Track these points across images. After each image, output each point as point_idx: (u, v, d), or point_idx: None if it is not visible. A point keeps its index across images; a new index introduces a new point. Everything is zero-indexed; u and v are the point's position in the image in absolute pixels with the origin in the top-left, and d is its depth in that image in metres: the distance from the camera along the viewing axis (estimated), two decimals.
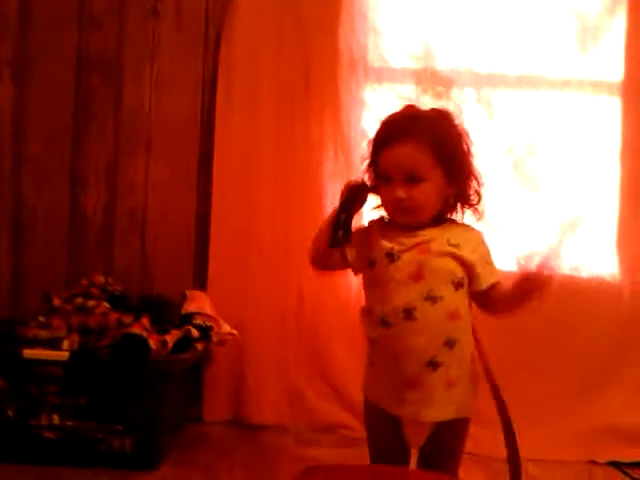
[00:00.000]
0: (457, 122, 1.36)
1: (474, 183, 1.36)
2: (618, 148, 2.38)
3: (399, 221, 1.35)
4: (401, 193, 1.30)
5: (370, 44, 2.41)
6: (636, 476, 2.11)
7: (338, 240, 1.31)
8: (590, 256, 2.38)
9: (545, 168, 2.37)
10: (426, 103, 2.28)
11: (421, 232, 1.32)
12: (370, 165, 1.37)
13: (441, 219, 1.35)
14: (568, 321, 2.30)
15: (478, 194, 1.36)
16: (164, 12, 2.44)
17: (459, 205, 1.37)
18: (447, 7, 2.39)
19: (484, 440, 2.09)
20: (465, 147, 1.35)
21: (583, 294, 2.34)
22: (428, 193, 1.31)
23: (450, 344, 1.30)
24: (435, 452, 1.37)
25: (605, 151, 2.38)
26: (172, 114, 2.44)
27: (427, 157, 1.29)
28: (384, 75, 2.43)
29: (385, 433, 1.37)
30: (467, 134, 1.36)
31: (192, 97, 2.45)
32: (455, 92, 2.37)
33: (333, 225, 1.31)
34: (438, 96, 2.36)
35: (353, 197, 1.33)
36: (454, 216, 1.38)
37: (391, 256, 1.31)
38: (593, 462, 2.20)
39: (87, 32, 2.43)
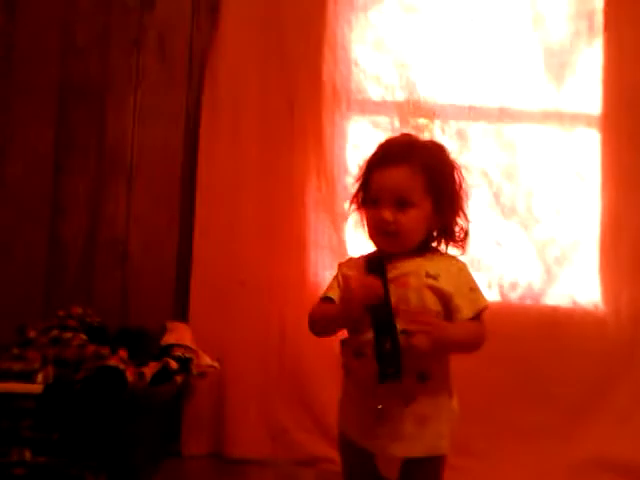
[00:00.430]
0: (452, 157, 1.36)
1: (461, 219, 1.35)
2: (598, 180, 2.40)
3: (381, 246, 1.33)
4: (388, 215, 1.28)
5: (353, 77, 2.43)
6: None
7: (389, 376, 1.22)
8: (573, 287, 2.39)
9: (526, 200, 2.39)
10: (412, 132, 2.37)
11: (401, 264, 1.30)
12: (360, 188, 1.37)
13: (424, 249, 1.34)
14: (553, 352, 2.30)
15: (464, 231, 1.35)
16: (147, 43, 2.45)
17: (443, 239, 1.36)
18: (429, 41, 2.43)
19: (467, 472, 2.08)
20: (457, 182, 1.35)
21: (567, 325, 2.34)
22: (415, 220, 1.29)
23: (422, 379, 1.27)
24: None
25: (585, 183, 2.41)
26: (155, 145, 2.44)
27: (419, 183, 1.29)
28: (367, 107, 2.45)
29: (359, 466, 1.35)
30: (460, 171, 1.36)
31: (175, 128, 2.45)
32: (436, 124, 2.39)
33: (378, 357, 1.22)
34: (419, 129, 2.39)
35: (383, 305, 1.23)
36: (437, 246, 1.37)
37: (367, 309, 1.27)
38: None
39: (70, 62, 2.44)
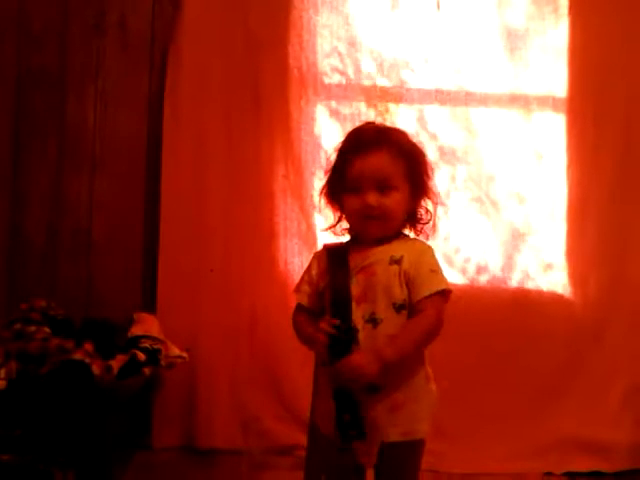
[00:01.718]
0: (418, 144, 1.39)
1: (429, 202, 1.37)
2: (564, 163, 2.42)
3: (366, 231, 1.33)
4: (372, 200, 1.29)
5: (319, 61, 2.40)
6: None
7: (351, 438, 1.25)
8: (540, 270, 2.41)
9: (492, 183, 2.40)
10: (374, 119, 2.37)
11: (370, 252, 1.31)
12: (334, 177, 1.36)
13: (393, 235, 1.34)
14: (521, 335, 2.32)
15: (430, 213, 1.37)
16: (108, 28, 2.39)
17: (413, 225, 1.37)
18: (394, 25, 2.41)
19: (441, 455, 2.10)
20: (428, 166, 1.37)
21: (535, 308, 2.36)
22: (398, 202, 1.31)
23: (390, 367, 1.27)
24: (389, 473, 1.35)
25: (551, 166, 2.42)
26: (118, 132, 2.39)
27: (400, 168, 1.31)
28: (333, 91, 2.43)
29: (334, 457, 1.34)
30: (427, 157, 1.38)
31: (138, 115, 2.40)
32: (403, 108, 2.38)
33: (337, 426, 1.25)
34: (386, 112, 2.38)
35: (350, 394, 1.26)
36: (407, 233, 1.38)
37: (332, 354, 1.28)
38: (549, 474, 2.21)
39: (27, 49, 2.36)
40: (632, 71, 2.36)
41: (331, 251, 1.35)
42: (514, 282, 2.40)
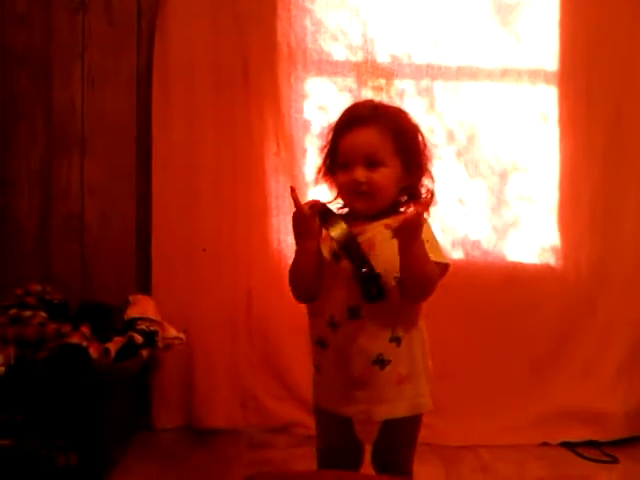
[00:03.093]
0: (414, 120, 1.38)
1: (428, 180, 1.36)
2: (556, 136, 2.42)
3: (355, 207, 1.33)
4: (360, 175, 1.29)
5: (308, 36, 2.37)
6: (587, 455, 2.16)
7: (374, 297, 1.26)
8: (533, 243, 2.42)
9: (485, 157, 2.39)
10: (366, 95, 2.35)
11: (369, 226, 1.31)
12: (328, 153, 1.37)
13: (391, 212, 1.34)
14: (515, 307, 2.34)
15: (431, 192, 1.36)
16: (93, 5, 2.34)
17: (411, 202, 1.36)
18: (386, 0, 2.37)
19: (438, 429, 2.13)
20: (422, 143, 1.36)
21: (528, 281, 2.38)
22: (387, 178, 1.30)
23: (396, 341, 1.29)
24: (388, 448, 1.37)
25: (543, 139, 2.42)
26: (106, 112, 2.35)
27: (388, 143, 1.30)
28: (324, 68, 2.40)
29: (338, 436, 1.37)
30: (423, 133, 1.37)
31: (127, 93, 2.36)
32: (395, 83, 2.36)
33: (360, 281, 1.25)
34: (378, 88, 2.36)
35: (351, 240, 1.27)
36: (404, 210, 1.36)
37: (337, 256, 1.29)
38: (546, 444, 2.25)
39: (11, 28, 2.31)
40: (623, 44, 2.36)
41: (321, 209, 1.33)
42: (507, 256, 2.41)
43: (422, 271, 1.25)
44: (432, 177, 1.37)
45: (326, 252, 1.31)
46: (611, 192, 2.37)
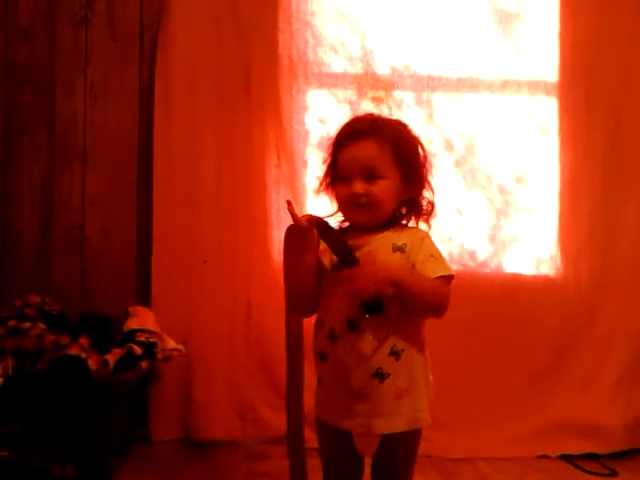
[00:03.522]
0: (414, 132, 1.38)
1: (428, 192, 1.36)
2: (556, 147, 2.41)
3: (354, 220, 1.34)
4: (359, 188, 1.30)
5: (310, 49, 2.39)
6: (587, 468, 2.14)
7: (372, 310, 1.26)
8: (533, 254, 2.42)
9: (486, 168, 2.40)
10: (367, 106, 2.36)
11: (370, 239, 1.31)
12: (329, 167, 1.37)
13: (391, 224, 1.34)
14: (515, 319, 2.34)
15: (431, 204, 1.37)
16: (96, 20, 2.37)
17: (412, 214, 1.36)
18: (386, 12, 2.39)
19: (437, 441, 2.12)
20: (422, 155, 1.36)
21: (528, 292, 2.38)
22: (386, 191, 1.30)
23: (396, 354, 1.28)
24: (387, 462, 1.36)
25: (544, 150, 2.42)
26: (108, 125, 2.37)
27: (387, 155, 1.30)
28: (324, 80, 2.41)
29: (338, 449, 1.36)
30: (423, 144, 1.37)
31: (129, 107, 2.38)
32: (395, 95, 2.37)
33: (336, 254, 1.28)
34: (378, 100, 2.37)
35: (349, 253, 1.28)
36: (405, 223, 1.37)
37: (337, 268, 1.30)
38: (545, 456, 2.23)
39: (15, 42, 2.34)
40: (623, 54, 2.37)
41: (318, 222, 1.34)
42: (506, 267, 2.41)
43: (428, 300, 1.27)
44: (432, 189, 1.37)
45: (327, 265, 1.31)
46: (611, 203, 2.36)
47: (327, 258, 1.31)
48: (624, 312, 2.33)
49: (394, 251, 1.29)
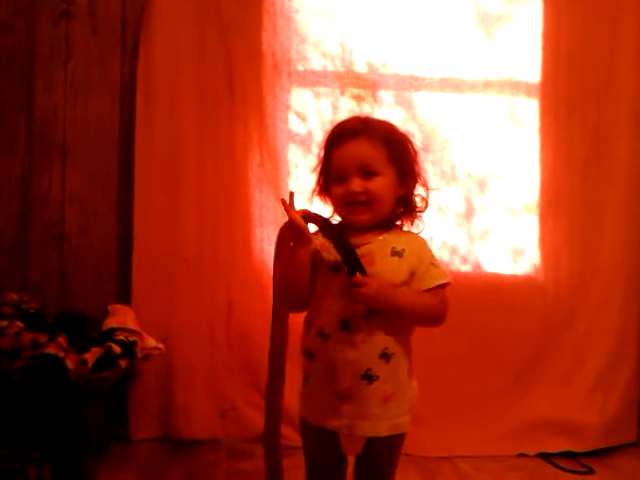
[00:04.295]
0: (405, 132, 1.39)
1: (422, 189, 1.36)
2: (537, 148, 2.43)
3: (353, 219, 1.33)
4: (356, 186, 1.29)
5: (293, 47, 2.38)
6: (564, 466, 2.17)
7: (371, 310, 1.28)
8: (513, 254, 2.43)
9: (466, 168, 2.40)
10: (350, 105, 2.35)
11: (368, 238, 1.31)
12: (322, 170, 1.37)
13: (388, 225, 1.35)
14: (494, 319, 2.35)
15: (425, 201, 1.37)
16: (77, 13, 2.34)
17: (407, 214, 1.36)
18: (370, 10, 2.39)
19: (416, 439, 2.12)
20: (415, 152, 1.37)
21: (509, 291, 2.39)
22: (383, 186, 1.31)
23: (386, 357, 1.29)
24: (369, 465, 1.37)
25: (524, 151, 2.43)
26: (89, 120, 2.35)
27: (381, 152, 1.31)
28: (308, 78, 2.41)
29: (321, 448, 1.37)
30: (414, 144, 1.37)
31: (110, 102, 2.36)
32: (377, 94, 2.37)
33: (344, 259, 1.28)
34: (360, 99, 2.37)
35: (350, 249, 1.28)
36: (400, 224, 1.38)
37: (335, 268, 1.30)
38: (523, 455, 2.25)
39: None
40: (604, 56, 2.39)
41: (320, 221, 1.34)
42: (487, 267, 2.42)
43: (424, 319, 1.32)
44: (426, 185, 1.37)
45: (325, 265, 1.31)
46: (590, 204, 2.38)
47: (326, 254, 1.31)
48: (602, 312, 2.35)
49: (392, 255, 1.30)
